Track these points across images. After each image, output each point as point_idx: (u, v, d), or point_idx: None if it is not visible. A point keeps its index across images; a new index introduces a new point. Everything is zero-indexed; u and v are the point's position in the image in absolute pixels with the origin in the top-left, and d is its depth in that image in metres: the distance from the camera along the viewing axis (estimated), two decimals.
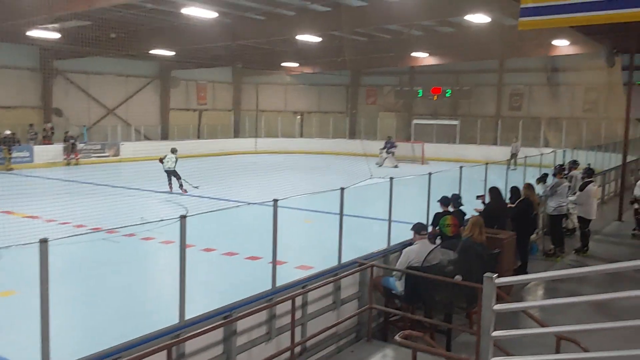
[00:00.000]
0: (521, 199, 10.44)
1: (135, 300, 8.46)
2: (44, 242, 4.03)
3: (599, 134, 23.40)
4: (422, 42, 26.45)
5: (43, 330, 4.09)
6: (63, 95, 29.29)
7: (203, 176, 19.86)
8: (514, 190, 10.91)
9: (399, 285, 7.24)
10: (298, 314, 6.23)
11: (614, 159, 19.81)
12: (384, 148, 29.15)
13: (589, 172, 12.75)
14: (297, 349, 6.25)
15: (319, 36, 23.60)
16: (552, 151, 15.99)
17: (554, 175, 12.06)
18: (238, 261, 10.54)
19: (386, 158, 28.71)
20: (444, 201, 8.99)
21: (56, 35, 21.70)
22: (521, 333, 4.85)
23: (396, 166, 27.89)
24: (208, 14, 18.78)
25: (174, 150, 19.06)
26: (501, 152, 27.31)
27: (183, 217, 5.11)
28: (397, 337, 5.17)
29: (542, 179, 12.62)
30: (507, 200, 10.72)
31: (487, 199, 10.23)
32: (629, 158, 18.55)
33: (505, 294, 6.85)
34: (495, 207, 9.82)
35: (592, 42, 18.83)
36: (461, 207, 9.20)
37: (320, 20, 21.25)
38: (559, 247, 11.52)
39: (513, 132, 30.26)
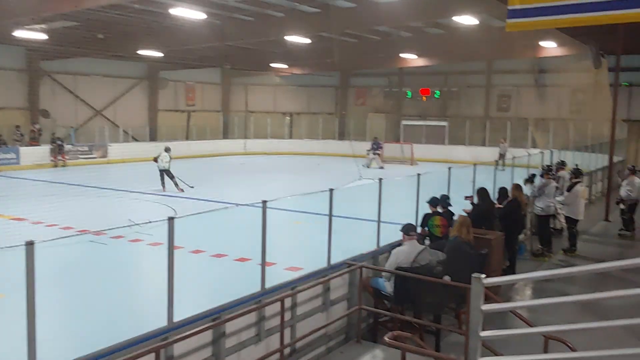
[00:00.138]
0: (509, 199, 10.49)
1: (123, 302, 8.39)
2: (30, 244, 3.99)
3: (586, 134, 23.55)
4: (411, 43, 26.56)
5: (29, 333, 4.05)
6: (50, 96, 29.05)
7: (192, 177, 19.80)
8: (502, 190, 10.97)
9: (388, 286, 7.25)
10: (287, 316, 6.22)
11: (601, 160, 19.98)
12: (370, 149, 29.21)
13: (577, 173, 12.85)
14: (287, 351, 6.24)
15: (308, 37, 23.61)
16: (540, 152, 16.08)
17: (542, 175, 12.14)
18: (227, 263, 10.50)
19: (373, 159, 28.77)
20: (433, 202, 9.02)
21: (43, 36, 21.52)
22: (509, 333, 4.87)
23: (381, 167, 27.95)
24: (196, 14, 18.71)
25: (167, 149, 19.04)
26: (489, 153, 27.48)
27: (171, 219, 5.08)
28: (386, 338, 5.18)
29: (530, 179, 12.69)
30: (495, 201, 10.77)
31: (476, 200, 10.28)
32: (615, 158, 18.72)
33: (494, 293, 6.88)
34: (483, 208, 9.86)
35: (579, 44, 19.01)
36: (450, 208, 9.23)
37: (309, 22, 21.26)
38: (547, 247, 11.59)
39: (501, 133, 30.43)
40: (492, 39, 22.36)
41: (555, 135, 27.25)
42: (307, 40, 24.15)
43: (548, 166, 14.23)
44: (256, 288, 6.06)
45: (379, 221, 8.14)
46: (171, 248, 5.10)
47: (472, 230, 7.98)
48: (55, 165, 26.41)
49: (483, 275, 3.98)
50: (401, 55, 28.88)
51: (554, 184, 12.09)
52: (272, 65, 32.91)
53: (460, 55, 28.40)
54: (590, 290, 4.22)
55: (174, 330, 5.04)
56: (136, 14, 20.90)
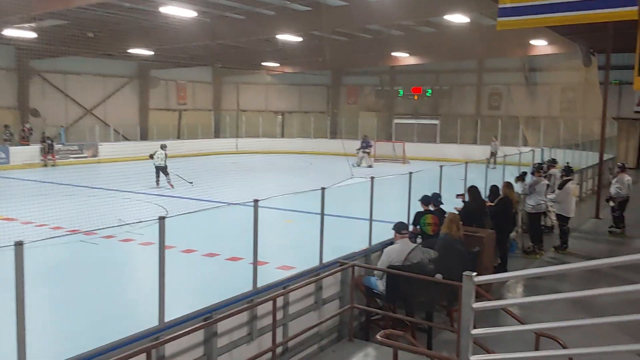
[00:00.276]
0: (500, 197, 10.53)
1: (114, 302, 8.35)
2: (19, 245, 3.96)
3: (576, 132, 23.72)
4: (403, 42, 26.59)
5: (19, 334, 4.02)
6: (40, 95, 28.88)
7: (184, 176, 19.73)
8: (494, 188, 11.01)
9: (380, 285, 7.26)
10: (279, 315, 6.21)
11: (591, 157, 20.10)
12: (360, 148, 29.25)
13: (568, 171, 12.92)
14: (279, 350, 6.23)
15: (300, 36, 23.58)
16: (531, 150, 16.17)
17: (533, 173, 12.20)
18: (219, 262, 10.48)
19: (362, 157, 28.80)
20: (425, 200, 9.04)
21: (32, 35, 21.34)
22: (500, 331, 4.89)
23: (370, 166, 27.96)
24: (187, 13, 18.64)
25: (163, 147, 19.61)
26: (481, 151, 27.58)
27: (162, 219, 5.06)
28: (378, 336, 5.18)
29: (521, 177, 12.75)
30: (487, 199, 10.81)
31: (467, 198, 10.31)
32: (606, 156, 18.85)
33: (485, 291, 6.90)
34: (474, 206, 9.90)
35: (569, 42, 19.10)
36: (441, 206, 9.25)
37: (300, 20, 21.23)
38: (538, 245, 11.65)
39: (492, 131, 30.57)
40: (483, 38, 22.44)
41: (546, 133, 27.37)
42: (299, 39, 24.12)
43: (539, 164, 14.30)
44: (248, 287, 6.04)
45: (370, 220, 8.15)
46: (162, 248, 5.07)
47: (462, 227, 8.01)
48: (46, 165, 26.26)
49: (474, 273, 3.99)
50: (393, 53, 28.92)
51: (544, 181, 12.15)
52: (264, 64, 32.87)
53: (452, 54, 28.48)
54: (581, 288, 4.24)
55: (165, 330, 5.02)
56: (126, 12, 20.79)
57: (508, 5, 7.55)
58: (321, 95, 39.77)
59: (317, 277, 6.84)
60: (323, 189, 7.13)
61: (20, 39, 21.75)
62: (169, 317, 5.10)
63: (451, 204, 10.02)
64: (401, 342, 5.45)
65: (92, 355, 4.46)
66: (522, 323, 6.00)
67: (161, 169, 19.31)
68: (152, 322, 5.03)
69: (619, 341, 3.86)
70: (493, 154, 25.71)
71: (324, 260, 7.17)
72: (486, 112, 34.00)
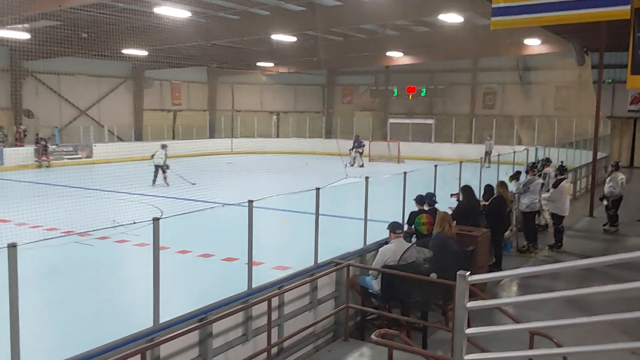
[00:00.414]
0: (495, 196, 10.55)
1: (109, 303, 8.33)
2: (12, 247, 3.94)
3: (570, 131, 23.81)
4: (397, 41, 26.61)
5: (13, 336, 4.01)
6: (33, 96, 28.75)
7: (179, 177, 19.70)
8: (488, 188, 11.03)
9: (375, 284, 7.26)
10: (275, 315, 6.21)
11: (585, 156, 20.16)
12: (352, 147, 29.26)
13: (562, 170, 12.95)
14: (274, 350, 6.23)
15: (294, 36, 23.57)
16: (525, 149, 16.19)
17: (527, 172, 12.22)
18: (214, 263, 10.47)
19: (355, 157, 28.83)
20: (419, 200, 9.05)
21: (25, 36, 21.24)
22: (495, 330, 4.89)
23: (361, 165, 27.96)
24: (181, 13, 18.58)
25: (164, 146, 20.27)
26: (475, 150, 27.61)
27: (156, 219, 5.05)
28: (373, 336, 5.18)
29: (516, 176, 12.77)
30: (481, 198, 10.83)
31: (461, 197, 10.32)
32: (599, 155, 18.90)
33: (480, 290, 6.92)
34: (468, 205, 9.92)
35: (563, 41, 19.18)
36: (436, 205, 9.27)
37: (295, 20, 21.22)
38: (533, 244, 11.67)
39: (487, 130, 30.64)
40: (477, 37, 22.48)
41: (540, 132, 27.47)
42: (293, 39, 24.10)
43: (533, 163, 14.33)
44: (243, 288, 6.04)
45: (365, 219, 8.15)
46: (156, 249, 5.07)
47: (454, 225, 8.02)
48: (40, 166, 26.16)
49: (467, 273, 3.99)
50: (387, 53, 28.94)
51: (539, 180, 12.17)
52: (259, 64, 32.81)
53: (446, 53, 28.51)
54: (575, 286, 4.25)
55: (160, 331, 5.01)
56: (120, 13, 20.68)
57: (501, 4, 7.57)
58: (316, 95, 39.77)
59: (312, 277, 6.85)
60: (318, 189, 7.13)
61: (14, 39, 21.64)
62: (164, 318, 5.10)
63: (446, 204, 10.03)
64: (396, 341, 5.45)
65: (87, 357, 4.45)
66: (516, 322, 6.01)
67: (160, 168, 19.85)
68: (147, 323, 5.03)
69: (614, 339, 3.87)
70: (487, 153, 25.77)
71: (319, 260, 7.17)
72: (481, 112, 34.08)
